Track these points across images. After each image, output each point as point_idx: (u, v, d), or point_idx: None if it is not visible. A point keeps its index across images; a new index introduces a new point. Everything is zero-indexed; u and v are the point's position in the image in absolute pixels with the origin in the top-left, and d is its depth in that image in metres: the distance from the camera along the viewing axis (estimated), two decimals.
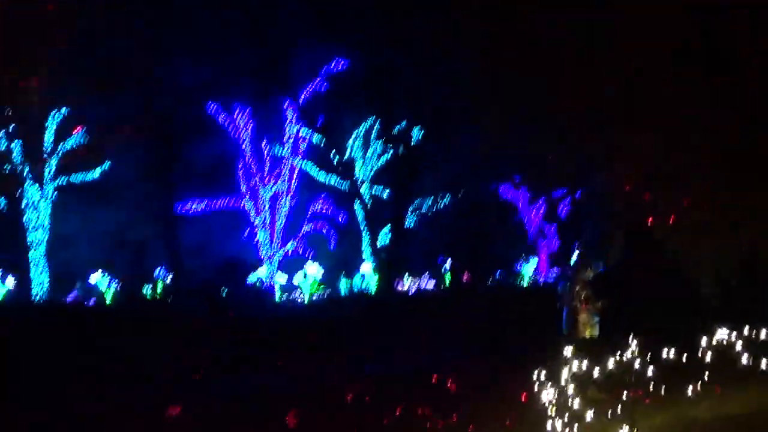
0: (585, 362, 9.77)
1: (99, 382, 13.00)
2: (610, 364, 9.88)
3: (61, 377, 13.30)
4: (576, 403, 9.21)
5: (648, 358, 10.46)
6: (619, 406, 9.39)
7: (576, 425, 9.02)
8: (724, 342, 11.05)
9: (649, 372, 10.12)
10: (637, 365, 10.33)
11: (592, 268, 11.08)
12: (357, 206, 27.99)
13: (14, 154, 26.54)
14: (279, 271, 27.61)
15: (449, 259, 30.17)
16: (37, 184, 27.09)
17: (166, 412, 10.35)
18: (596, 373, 9.71)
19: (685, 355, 10.67)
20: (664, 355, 10.58)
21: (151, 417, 10.44)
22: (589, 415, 9.14)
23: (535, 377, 10.20)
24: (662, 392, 9.87)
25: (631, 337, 10.71)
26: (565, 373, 9.68)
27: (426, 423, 10.17)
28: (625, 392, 9.58)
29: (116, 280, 28.49)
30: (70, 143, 27.36)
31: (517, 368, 12.21)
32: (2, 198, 26.41)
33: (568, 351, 10.01)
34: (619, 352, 10.46)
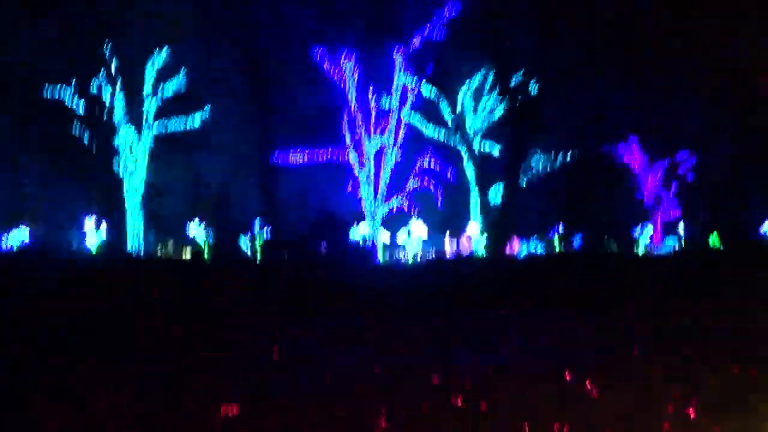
0: None
1: None
2: None
3: None
4: None
5: None
6: None
7: None
8: None
9: None
10: None
11: None
12: (467, 162, 26.23)
13: (107, 94, 25.67)
14: (382, 228, 26.11)
15: (560, 224, 28.29)
16: (134, 128, 26.16)
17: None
18: None
19: None
20: None
21: None
22: None
23: None
24: None
25: None
26: None
27: None
28: None
29: (212, 232, 27.51)
30: (169, 86, 26.36)
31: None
32: (98, 140, 25.55)
33: None
34: None
